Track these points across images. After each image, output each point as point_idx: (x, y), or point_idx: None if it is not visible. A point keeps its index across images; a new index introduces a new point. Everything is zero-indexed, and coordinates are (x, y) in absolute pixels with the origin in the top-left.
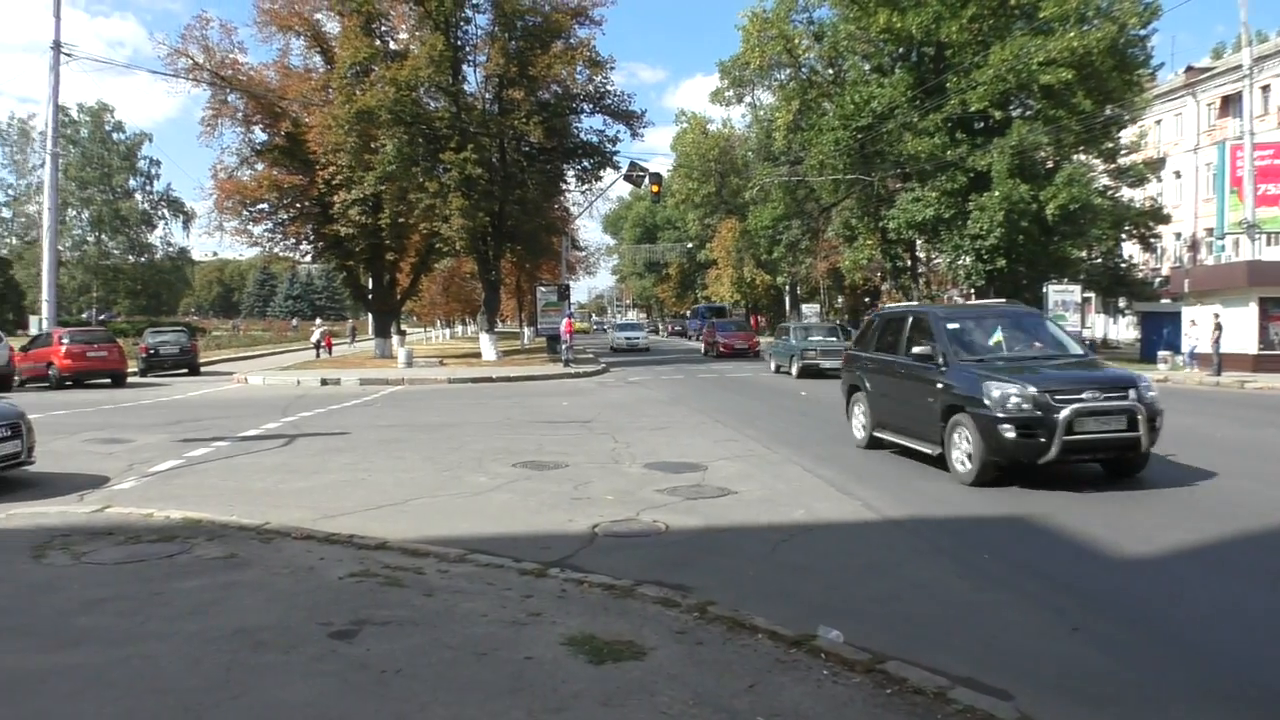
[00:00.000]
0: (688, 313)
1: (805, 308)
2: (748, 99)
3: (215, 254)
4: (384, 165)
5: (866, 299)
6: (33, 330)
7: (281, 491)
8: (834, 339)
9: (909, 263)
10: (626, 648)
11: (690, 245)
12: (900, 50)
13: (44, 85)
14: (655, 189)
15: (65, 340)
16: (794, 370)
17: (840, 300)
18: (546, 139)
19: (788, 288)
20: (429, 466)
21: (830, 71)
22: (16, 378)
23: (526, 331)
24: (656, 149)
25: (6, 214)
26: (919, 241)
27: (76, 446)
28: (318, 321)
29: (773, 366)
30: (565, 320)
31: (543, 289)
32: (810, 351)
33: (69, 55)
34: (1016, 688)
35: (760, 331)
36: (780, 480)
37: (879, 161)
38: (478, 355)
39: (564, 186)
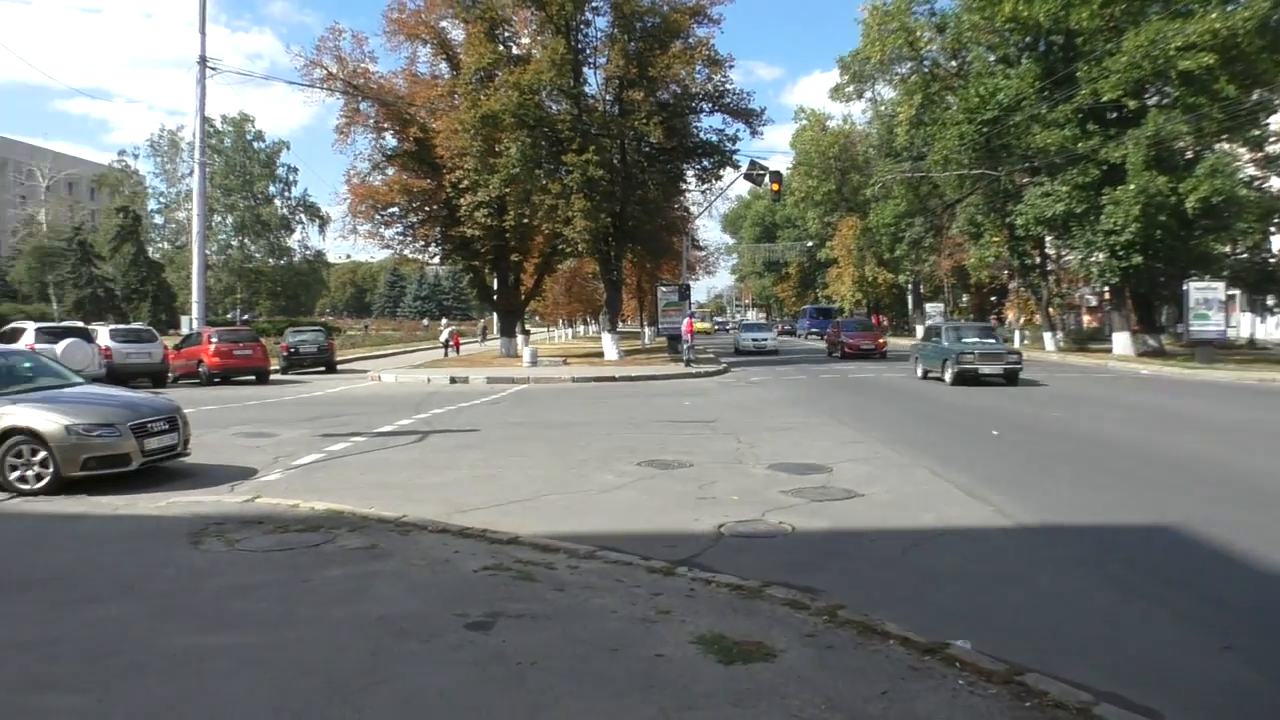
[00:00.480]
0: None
1: (929, 307)
2: (868, 94)
3: (348, 256)
4: (508, 168)
5: (993, 298)
6: (184, 330)
7: (416, 486)
8: (992, 340)
9: (1038, 260)
10: (756, 649)
11: (810, 244)
12: (1027, 40)
13: (191, 98)
14: (775, 187)
15: (214, 339)
16: (948, 376)
17: (965, 299)
18: (666, 139)
19: (910, 286)
20: (556, 464)
21: (954, 64)
22: (170, 374)
23: (647, 331)
24: (775, 147)
25: (159, 220)
26: (1048, 238)
27: (226, 440)
28: (444, 321)
29: (919, 371)
30: (686, 320)
31: (663, 289)
32: (967, 355)
33: (214, 69)
34: (1166, 707)
35: (884, 331)
36: (908, 483)
37: (1005, 155)
38: (600, 355)
39: (684, 186)
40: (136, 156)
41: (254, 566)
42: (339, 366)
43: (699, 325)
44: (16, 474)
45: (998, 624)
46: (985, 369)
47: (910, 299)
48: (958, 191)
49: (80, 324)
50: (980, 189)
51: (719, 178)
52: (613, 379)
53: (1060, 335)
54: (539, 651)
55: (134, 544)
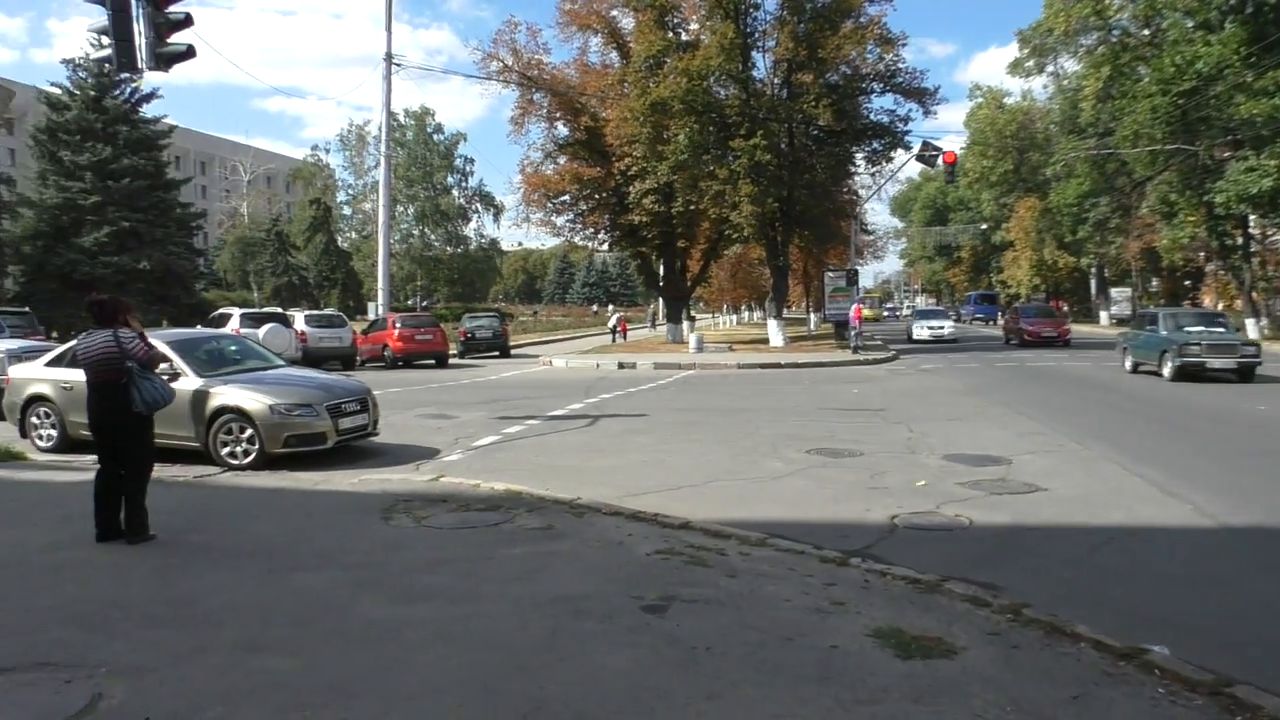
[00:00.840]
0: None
1: (1115, 292)
2: (1050, 68)
3: (520, 244)
4: (676, 155)
5: (1187, 282)
6: (370, 315)
7: (589, 469)
8: (1222, 329)
9: (1240, 241)
10: (935, 644)
11: (984, 226)
12: (1231, 2)
13: (377, 94)
14: (950, 159)
15: (398, 325)
16: (1167, 370)
17: (1155, 283)
18: (835, 121)
19: (1093, 270)
20: (723, 450)
21: (1146, 32)
22: (358, 358)
23: (813, 317)
24: (948, 126)
25: (347, 211)
26: (1253, 217)
27: (410, 421)
28: (611, 308)
29: (1128, 364)
30: (854, 306)
31: (830, 274)
32: (1192, 346)
33: (398, 65)
34: None
35: (1065, 318)
36: (1095, 478)
37: (1204, 128)
38: (765, 341)
39: (852, 169)
40: (328, 151)
41: (440, 542)
42: (512, 351)
43: (867, 312)
44: (227, 449)
45: (1199, 631)
46: (1215, 363)
47: (1093, 284)
48: (1149, 169)
49: (279, 310)
50: (1174, 165)
51: (889, 160)
52: (778, 365)
53: (1265, 322)
54: (713, 637)
55: (331, 518)
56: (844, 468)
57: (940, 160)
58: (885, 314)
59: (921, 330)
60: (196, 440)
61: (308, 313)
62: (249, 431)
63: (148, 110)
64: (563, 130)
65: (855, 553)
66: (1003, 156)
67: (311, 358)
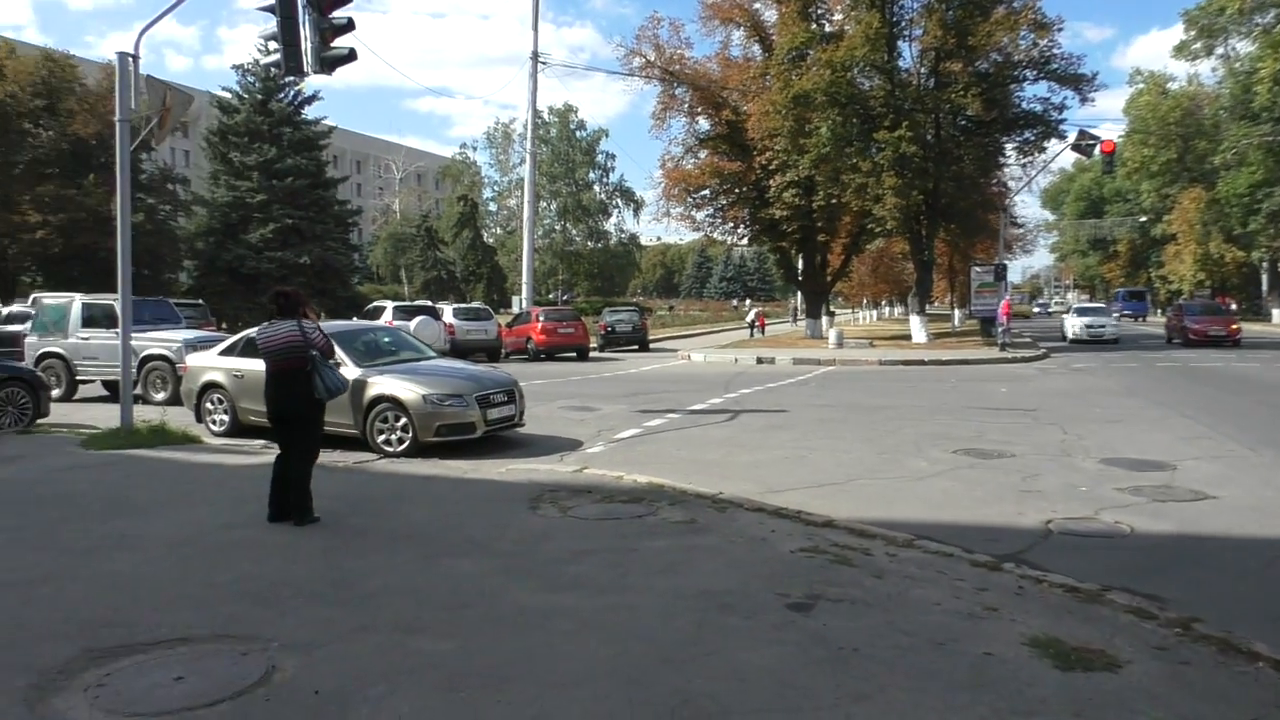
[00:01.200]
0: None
1: None
2: (1220, 50)
3: (659, 239)
4: (818, 148)
5: None
6: (514, 309)
7: (730, 464)
8: None
9: None
10: (1097, 657)
11: (1144, 219)
12: None
13: (522, 91)
14: (1108, 148)
15: (541, 318)
16: None
17: None
18: (985, 111)
19: (1265, 265)
20: (867, 448)
21: None
22: (503, 350)
23: (957, 314)
24: (1105, 114)
25: (493, 207)
26: None
27: (554, 412)
28: (748, 303)
29: None
30: (1003, 301)
31: (977, 268)
32: None
33: (543, 63)
34: None
35: (1234, 316)
36: (1270, 486)
37: None
38: (906, 337)
39: (1002, 160)
40: (475, 149)
41: (585, 533)
42: (651, 345)
43: (1017, 308)
44: (382, 437)
45: None
46: None
47: (1264, 279)
48: None
49: (429, 303)
50: None
51: (1042, 150)
52: (921, 362)
53: None
54: (861, 638)
55: (480, 505)
56: (993, 469)
57: (1098, 150)
58: (1036, 310)
59: (1078, 328)
60: (355, 428)
61: (456, 306)
62: (403, 420)
63: (309, 112)
64: (704, 125)
65: (1008, 557)
66: (1165, 145)
67: (459, 350)
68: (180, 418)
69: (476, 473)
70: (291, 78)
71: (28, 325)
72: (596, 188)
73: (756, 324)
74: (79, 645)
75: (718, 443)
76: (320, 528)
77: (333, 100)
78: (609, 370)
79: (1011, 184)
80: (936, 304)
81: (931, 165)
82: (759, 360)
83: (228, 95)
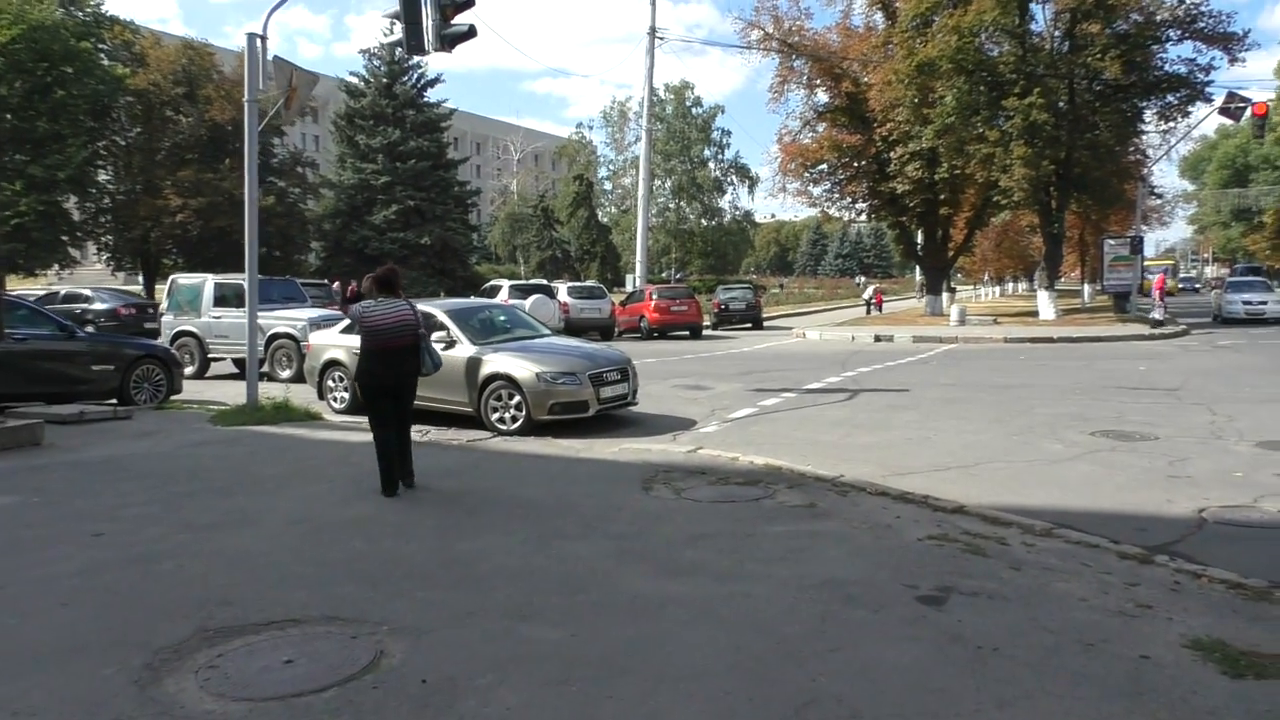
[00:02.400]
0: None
1: None
2: None
3: (773, 216)
4: (942, 118)
5: None
6: (628, 288)
7: (849, 445)
8: None
9: None
10: (1271, 663)
11: None
12: None
13: (639, 70)
14: (1260, 110)
15: (655, 296)
16: None
17: None
18: (1123, 74)
19: None
20: (996, 429)
21: None
22: (616, 329)
23: (1086, 289)
24: (1254, 76)
25: (608, 186)
26: None
27: (667, 391)
28: (862, 280)
29: None
30: (1158, 276)
31: (1110, 241)
32: None
33: (661, 39)
34: None
35: None
36: None
37: None
38: (1032, 313)
39: (1140, 127)
40: (590, 128)
41: (701, 516)
42: (765, 323)
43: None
44: (496, 415)
45: None
46: None
47: None
48: None
49: (544, 281)
50: None
51: (1185, 115)
52: (1050, 340)
53: None
54: (1000, 636)
55: (593, 486)
56: (1136, 453)
57: (1248, 113)
58: (1180, 286)
59: (1234, 306)
60: (469, 405)
61: (570, 284)
62: (517, 398)
63: (431, 95)
64: (822, 97)
65: (1159, 549)
66: None
67: (573, 328)
68: (304, 395)
69: (589, 452)
70: (415, 59)
71: (163, 305)
72: (711, 165)
73: (874, 301)
74: (194, 624)
75: (836, 423)
76: (434, 505)
77: (453, 84)
78: (722, 348)
79: (1150, 152)
80: (1064, 279)
81: (1064, 133)
82: (876, 338)
83: (354, 80)
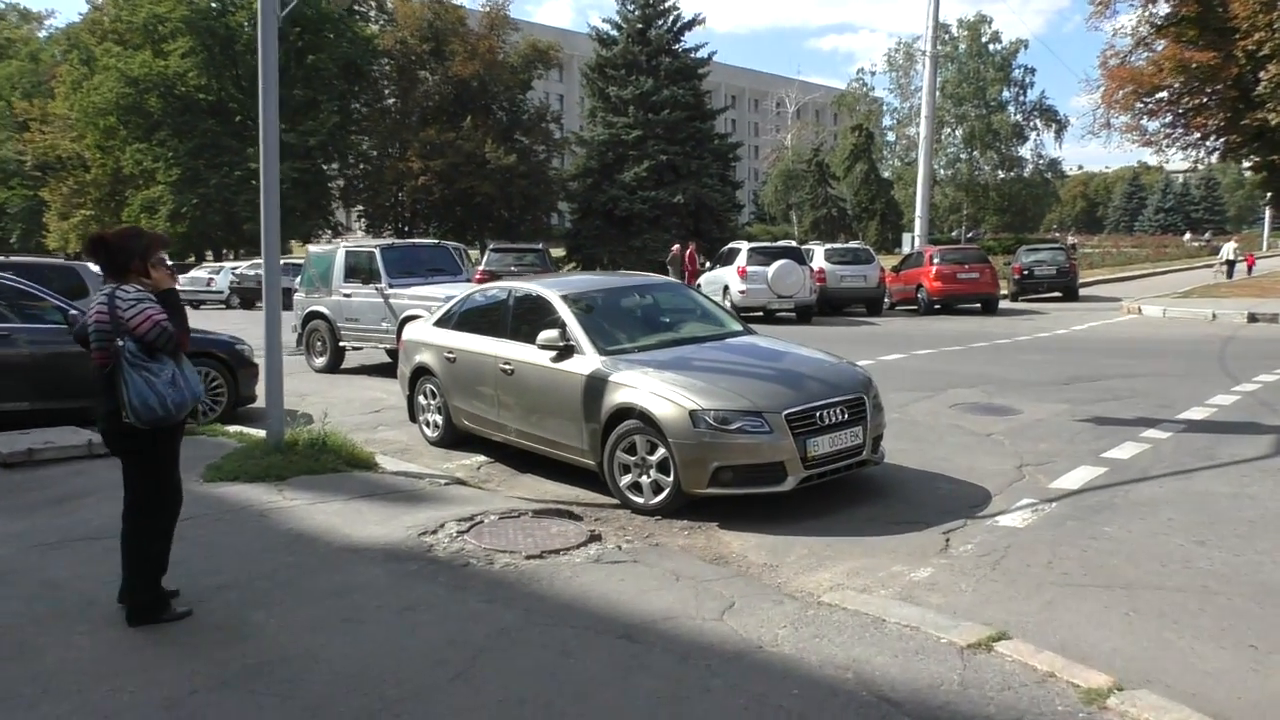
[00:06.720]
0: None
1: None
2: None
3: (1081, 167)
4: None
5: None
6: (904, 249)
7: None
8: None
9: None
10: None
11: None
12: None
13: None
14: None
15: (935, 260)
16: None
17: None
18: None
19: None
20: None
21: None
22: (886, 300)
23: None
24: None
25: (890, 138)
26: None
27: (940, 413)
28: (1207, 235)
29: None
30: None
31: None
32: None
33: None
34: None
35: None
36: None
37: None
38: None
39: None
40: (873, 73)
41: None
42: (1080, 292)
43: None
44: (628, 478)
45: None
46: None
47: None
48: None
49: (794, 244)
50: None
51: None
52: None
53: None
54: None
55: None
56: None
57: None
58: None
59: None
60: (589, 455)
61: (829, 246)
62: (660, 453)
63: (688, 40)
64: (1164, 7)
65: None
66: None
67: (830, 300)
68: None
69: (747, 593)
70: (671, 1)
71: (296, 281)
72: (1011, 108)
73: (1244, 261)
74: None
75: None
76: None
77: (733, 44)
78: (1026, 330)
79: None
80: None
81: None
82: (1252, 317)
83: (607, 26)
